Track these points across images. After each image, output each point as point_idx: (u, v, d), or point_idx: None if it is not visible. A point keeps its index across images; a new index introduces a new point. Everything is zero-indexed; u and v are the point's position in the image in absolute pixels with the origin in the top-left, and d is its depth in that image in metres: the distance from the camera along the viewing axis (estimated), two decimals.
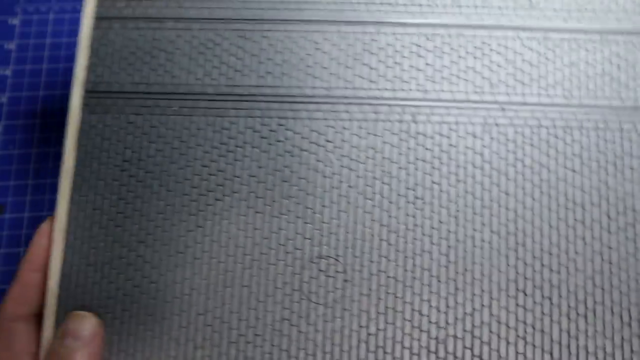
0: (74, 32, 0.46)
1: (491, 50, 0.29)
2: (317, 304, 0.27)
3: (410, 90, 0.29)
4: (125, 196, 0.28)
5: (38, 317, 0.27)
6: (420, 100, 0.28)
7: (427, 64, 0.29)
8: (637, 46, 0.29)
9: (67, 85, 0.45)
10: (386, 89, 0.29)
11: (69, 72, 0.45)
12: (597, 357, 0.26)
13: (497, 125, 0.28)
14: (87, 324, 0.27)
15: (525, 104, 0.28)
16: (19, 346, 0.27)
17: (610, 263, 0.27)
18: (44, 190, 0.40)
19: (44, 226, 0.28)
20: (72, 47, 0.46)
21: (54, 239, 0.27)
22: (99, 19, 0.30)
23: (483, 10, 0.29)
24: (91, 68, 0.29)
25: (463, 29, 0.29)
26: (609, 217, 0.27)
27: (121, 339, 0.27)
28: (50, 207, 0.39)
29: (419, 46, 0.29)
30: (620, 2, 0.30)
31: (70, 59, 0.46)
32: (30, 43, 0.44)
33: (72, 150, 0.28)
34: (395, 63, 0.29)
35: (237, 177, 0.28)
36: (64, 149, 0.28)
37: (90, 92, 0.29)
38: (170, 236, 0.27)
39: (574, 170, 0.28)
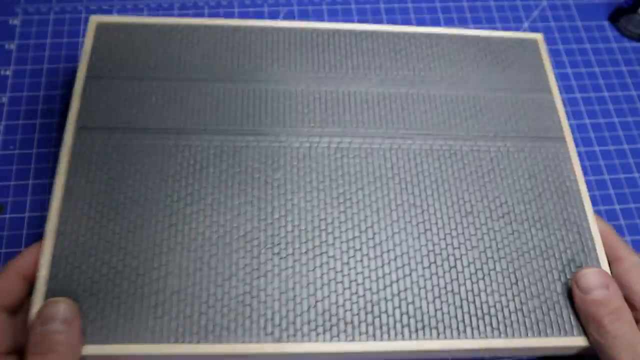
0: (74, 32, 0.46)
1: (393, 102, 0.39)
2: (273, 279, 0.32)
3: (335, 126, 0.38)
4: (109, 204, 0.33)
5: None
6: (342, 132, 0.38)
7: (348, 110, 0.39)
8: (482, 99, 0.40)
9: (67, 85, 0.45)
10: (316, 127, 0.38)
11: (69, 72, 0.46)
12: (496, 309, 0.33)
13: (402, 148, 0.37)
14: (64, 308, 0.30)
15: (419, 134, 0.38)
16: None
17: (495, 240, 0.35)
18: (44, 190, 0.41)
19: (34, 247, 0.32)
20: (72, 47, 0.46)
21: (46, 238, 0.32)
22: (90, 77, 0.38)
23: (387, 77, 0.40)
24: (82, 112, 0.36)
25: (370, 91, 0.40)
26: (489, 209, 0.36)
27: (103, 316, 0.30)
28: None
29: (338, 99, 0.39)
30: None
31: (71, 59, 0.46)
32: (30, 43, 0.44)
33: (63, 172, 0.34)
34: (321, 109, 0.38)
35: (204, 187, 0.35)
36: (57, 170, 0.34)
37: (81, 129, 0.36)
38: (148, 233, 0.33)
39: (461, 178, 0.37)
